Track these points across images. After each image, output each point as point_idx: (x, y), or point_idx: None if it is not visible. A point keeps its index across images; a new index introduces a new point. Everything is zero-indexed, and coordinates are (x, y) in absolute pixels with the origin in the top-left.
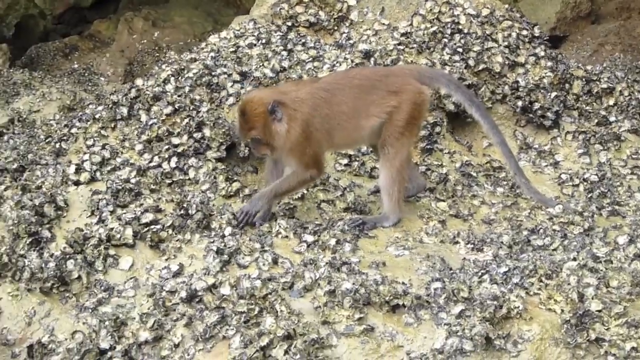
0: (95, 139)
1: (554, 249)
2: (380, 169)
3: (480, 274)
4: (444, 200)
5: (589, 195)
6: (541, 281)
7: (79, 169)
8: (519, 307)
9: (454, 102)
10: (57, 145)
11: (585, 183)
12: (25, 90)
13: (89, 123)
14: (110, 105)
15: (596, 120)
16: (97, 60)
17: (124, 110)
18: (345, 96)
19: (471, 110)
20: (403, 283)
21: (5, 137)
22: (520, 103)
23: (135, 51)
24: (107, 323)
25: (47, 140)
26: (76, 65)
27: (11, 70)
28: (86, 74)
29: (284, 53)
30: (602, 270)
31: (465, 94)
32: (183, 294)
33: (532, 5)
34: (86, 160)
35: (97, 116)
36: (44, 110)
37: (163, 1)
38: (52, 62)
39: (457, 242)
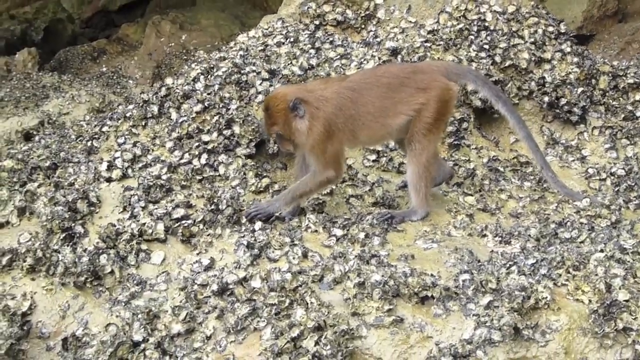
0: (126, 136)
1: (581, 242)
2: (408, 165)
3: (508, 265)
4: (471, 195)
5: (616, 189)
6: (569, 272)
7: (110, 166)
8: (546, 297)
9: (480, 98)
10: (89, 144)
11: (612, 177)
12: (54, 93)
13: (120, 121)
14: (140, 104)
15: (623, 115)
16: (125, 63)
17: (155, 109)
18: (373, 95)
19: (498, 105)
20: (432, 275)
21: (37, 138)
22: (546, 99)
23: (163, 54)
24: (139, 316)
25: (78, 139)
26: (104, 69)
27: (40, 74)
28: (114, 77)
29: (312, 51)
30: (629, 261)
31: (492, 89)
32: (214, 287)
33: (558, 4)
34: (118, 157)
35: (127, 115)
36: (73, 113)
37: (190, 4)
38: (81, 65)
39: (485, 235)
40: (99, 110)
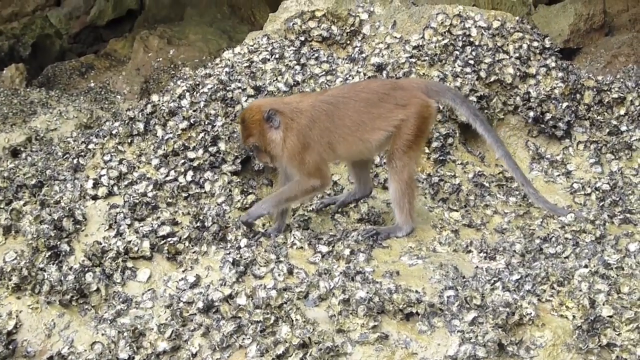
0: (112, 154)
1: (566, 257)
2: (390, 183)
3: (492, 281)
4: (457, 210)
5: (601, 204)
6: (553, 288)
7: (96, 184)
8: (531, 313)
9: None
10: (75, 161)
11: (597, 192)
12: (42, 109)
13: (106, 139)
14: (126, 121)
15: (607, 130)
16: (113, 78)
17: (140, 126)
18: (350, 110)
19: (475, 124)
20: (416, 291)
21: (24, 155)
22: (532, 114)
23: (151, 69)
24: (125, 334)
25: (64, 157)
26: (92, 84)
27: (28, 90)
28: (102, 93)
29: (297, 67)
30: (613, 276)
31: (469, 108)
32: (200, 304)
33: (545, 18)
34: (104, 175)
35: (114, 132)
36: (61, 129)
37: (178, 19)
38: (69, 81)
39: (469, 251)
40: (87, 126)
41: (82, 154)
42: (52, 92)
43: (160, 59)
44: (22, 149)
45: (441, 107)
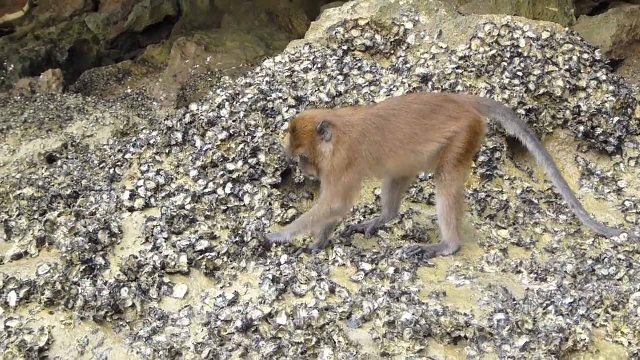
0: (149, 164)
1: (620, 279)
2: (437, 197)
3: (545, 305)
4: (505, 228)
5: None
6: (608, 312)
7: (133, 195)
8: (585, 339)
9: None
10: (111, 171)
11: None
12: (78, 115)
13: (143, 149)
14: (164, 131)
15: None
16: (150, 85)
17: (179, 136)
18: (402, 122)
19: (525, 141)
20: (465, 314)
21: (59, 162)
22: (582, 128)
23: (187, 76)
24: (161, 352)
25: (101, 166)
26: (129, 90)
27: (65, 95)
28: (139, 99)
29: (340, 77)
30: None
31: (520, 124)
32: (239, 323)
33: (587, 29)
34: (141, 186)
35: (151, 142)
36: (97, 135)
37: (216, 26)
38: (106, 87)
39: (519, 272)
40: (123, 133)
41: (119, 164)
42: (88, 98)
43: (198, 66)
44: (58, 155)
45: (491, 123)
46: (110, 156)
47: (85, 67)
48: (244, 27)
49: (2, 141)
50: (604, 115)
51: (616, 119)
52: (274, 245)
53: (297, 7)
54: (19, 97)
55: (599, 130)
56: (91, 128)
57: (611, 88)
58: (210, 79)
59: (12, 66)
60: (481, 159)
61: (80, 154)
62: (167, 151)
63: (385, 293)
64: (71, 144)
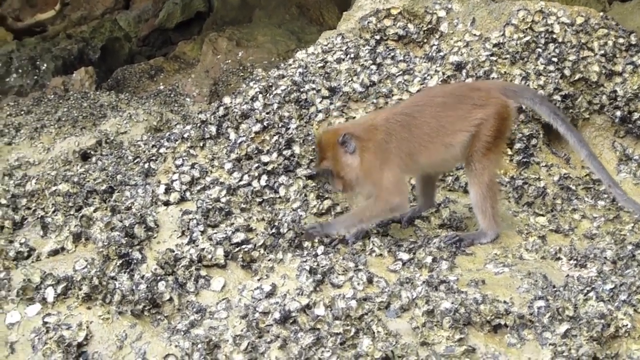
0: (184, 158)
1: None
2: (470, 187)
3: (585, 291)
4: (543, 215)
5: None
6: None
7: (168, 189)
8: (627, 325)
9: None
10: (146, 166)
11: None
12: (112, 112)
13: (177, 142)
14: (198, 124)
15: None
16: (183, 81)
17: (213, 129)
18: (427, 116)
19: (556, 124)
20: (504, 302)
21: (94, 159)
22: (618, 113)
23: (220, 71)
24: (199, 345)
25: (135, 161)
26: (162, 87)
27: (98, 93)
28: (172, 95)
29: (373, 67)
30: None
31: (550, 108)
32: (277, 315)
33: (620, 15)
34: (176, 180)
35: (185, 135)
36: (131, 132)
37: (246, 21)
38: (138, 83)
39: (559, 258)
40: (156, 129)
41: (153, 158)
42: (121, 95)
43: (229, 60)
44: (92, 152)
45: (524, 108)
46: (144, 151)
47: (118, 64)
48: (275, 22)
49: (36, 140)
50: None
51: None
52: (319, 237)
53: (328, 1)
54: (52, 96)
55: (636, 115)
56: (124, 125)
57: None
58: (242, 74)
59: (45, 65)
60: (517, 145)
61: (115, 150)
62: (202, 144)
63: (424, 282)
64: (105, 141)
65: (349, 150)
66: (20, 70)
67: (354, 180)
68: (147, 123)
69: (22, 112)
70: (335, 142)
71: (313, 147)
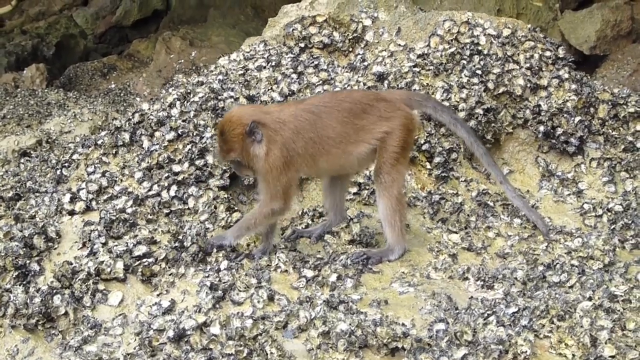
0: (96, 165)
1: (570, 286)
2: (379, 199)
3: (486, 315)
4: (456, 232)
5: (612, 227)
6: (552, 323)
7: (74, 198)
8: (526, 352)
9: (472, 127)
10: (58, 172)
11: (609, 213)
12: (58, 111)
13: (90, 149)
14: (112, 131)
15: (622, 147)
16: (134, 80)
17: (126, 136)
18: (333, 120)
19: (455, 128)
20: (403, 324)
21: (21, 161)
22: (542, 128)
23: (172, 71)
24: None
25: (52, 166)
26: (113, 85)
27: (46, 90)
28: (122, 94)
29: (294, 76)
30: (619, 310)
31: (450, 114)
32: (170, 333)
33: (571, 24)
34: (83, 188)
35: (99, 142)
36: (75, 131)
37: (203, 20)
38: (90, 82)
39: (466, 278)
40: (101, 128)
41: (67, 164)
42: (70, 93)
43: (182, 60)
44: (31, 152)
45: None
46: (58, 157)
47: (72, 61)
48: (230, 22)
49: None
50: (565, 115)
51: (578, 118)
52: (215, 250)
53: (283, 1)
54: (0, 92)
55: (559, 130)
56: (69, 124)
57: (573, 86)
58: (195, 74)
59: None
60: (436, 159)
61: (54, 152)
62: (114, 152)
63: (324, 302)
64: (46, 141)
65: (257, 139)
66: None
67: (259, 169)
68: (92, 122)
69: None
70: (242, 133)
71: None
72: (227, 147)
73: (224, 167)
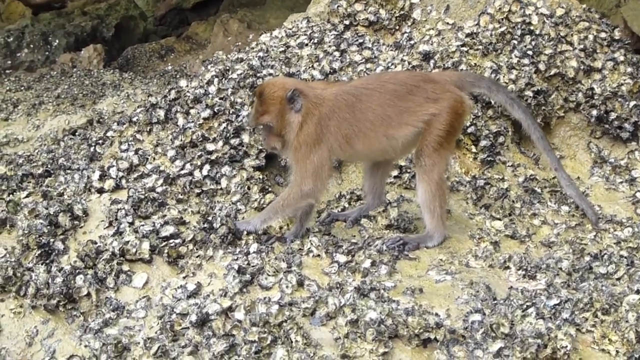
0: (130, 143)
1: (618, 278)
2: (418, 184)
3: (525, 306)
4: (499, 219)
5: None
6: (596, 316)
7: (103, 176)
8: (566, 347)
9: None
10: (92, 149)
11: None
12: (112, 91)
13: (124, 126)
14: (148, 107)
15: None
16: (191, 62)
17: (161, 113)
18: (374, 102)
19: (512, 109)
20: (437, 314)
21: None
22: (595, 112)
23: (229, 53)
24: (109, 347)
25: (89, 144)
26: (170, 67)
27: (102, 71)
28: (177, 76)
29: (336, 53)
30: None
31: (506, 94)
32: (193, 317)
33: (635, 11)
34: (113, 166)
35: (134, 119)
36: (127, 111)
37: (261, 3)
38: (147, 63)
39: (507, 267)
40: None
41: (100, 141)
42: (125, 74)
43: (240, 43)
44: (82, 131)
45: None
46: (93, 134)
47: (131, 43)
48: (288, 4)
49: (33, 116)
50: (619, 99)
51: (633, 102)
52: (245, 233)
53: None
54: (55, 73)
55: (613, 115)
56: (122, 104)
57: (629, 70)
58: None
59: (57, 41)
60: (483, 143)
61: (94, 130)
62: (149, 129)
63: (354, 288)
64: (97, 121)
65: (296, 108)
66: (31, 46)
67: (290, 141)
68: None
69: (22, 88)
70: (283, 97)
71: (252, 98)
72: (262, 109)
73: (260, 147)
